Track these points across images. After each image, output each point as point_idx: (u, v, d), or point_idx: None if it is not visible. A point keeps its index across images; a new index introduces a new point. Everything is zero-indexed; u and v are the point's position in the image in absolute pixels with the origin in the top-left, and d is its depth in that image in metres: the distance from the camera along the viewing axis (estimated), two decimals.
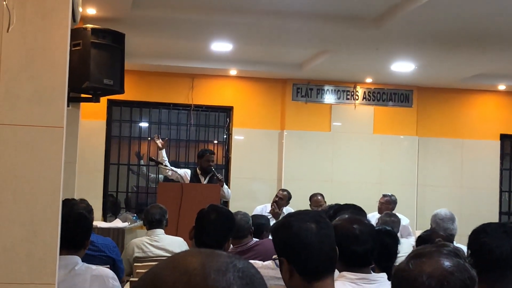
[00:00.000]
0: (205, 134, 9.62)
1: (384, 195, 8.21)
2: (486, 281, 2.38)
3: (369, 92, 9.67)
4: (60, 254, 2.81)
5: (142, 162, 9.39)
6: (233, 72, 9.23)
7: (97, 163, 8.95)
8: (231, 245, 4.54)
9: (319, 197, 8.21)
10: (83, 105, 6.51)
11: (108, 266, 4.04)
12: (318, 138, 9.47)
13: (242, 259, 0.99)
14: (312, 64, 8.54)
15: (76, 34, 5.41)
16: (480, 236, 2.57)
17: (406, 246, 5.36)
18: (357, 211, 3.81)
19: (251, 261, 3.75)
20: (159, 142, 7.77)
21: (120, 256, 4.82)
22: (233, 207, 7.65)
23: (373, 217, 7.36)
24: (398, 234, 4.85)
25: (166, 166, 7.61)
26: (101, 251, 4.52)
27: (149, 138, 9.40)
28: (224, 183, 7.75)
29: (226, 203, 8.46)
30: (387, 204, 8.02)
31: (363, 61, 8.34)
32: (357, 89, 9.64)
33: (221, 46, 7.86)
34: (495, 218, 9.52)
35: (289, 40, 7.40)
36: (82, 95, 5.98)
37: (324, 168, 9.44)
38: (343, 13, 6.45)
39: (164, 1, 6.27)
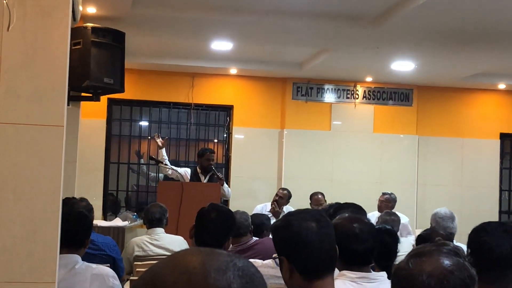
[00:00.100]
0: (205, 133, 9.62)
1: (383, 193, 8.22)
2: (486, 280, 2.38)
3: (369, 91, 9.67)
4: (60, 253, 2.81)
5: (142, 161, 9.39)
6: (233, 71, 9.23)
7: (97, 162, 8.95)
8: (231, 244, 4.55)
9: (320, 196, 8.21)
10: (83, 104, 6.51)
11: (108, 265, 4.05)
12: (318, 137, 9.47)
13: (242, 258, 0.99)
14: (312, 63, 8.55)
15: (76, 33, 5.40)
16: (480, 235, 2.57)
17: (406, 245, 5.35)
18: (357, 210, 3.81)
19: (251, 260, 3.75)
20: (159, 141, 7.77)
21: (120, 255, 4.82)
22: (233, 206, 7.67)
23: (373, 216, 7.35)
24: (398, 233, 4.85)
25: (166, 165, 7.62)
26: (101, 250, 4.52)
27: (149, 137, 9.40)
28: (224, 182, 7.75)
29: (226, 202, 8.47)
30: (387, 202, 8.03)
31: (363, 60, 8.33)
32: (357, 88, 9.64)
33: (221, 45, 7.86)
34: (495, 217, 9.53)
35: (289, 39, 7.39)
36: (82, 94, 5.98)
37: (324, 167, 9.45)
38: (343, 12, 6.45)
39: (164, 0, 6.27)
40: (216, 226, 3.36)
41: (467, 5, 5.73)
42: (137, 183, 9.63)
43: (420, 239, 4.31)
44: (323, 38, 7.29)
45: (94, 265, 3.35)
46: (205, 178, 7.69)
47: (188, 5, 6.32)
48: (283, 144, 9.41)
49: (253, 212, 6.71)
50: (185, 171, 7.65)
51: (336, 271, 2.48)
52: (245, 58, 8.77)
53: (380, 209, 7.95)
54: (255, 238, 4.95)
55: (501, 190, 10.11)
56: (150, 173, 9.23)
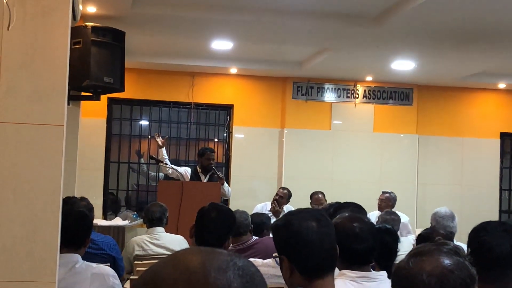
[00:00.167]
0: (205, 132, 9.62)
1: (383, 192, 8.22)
2: (486, 280, 2.38)
3: (369, 90, 9.67)
4: (61, 252, 2.81)
5: (142, 160, 9.39)
6: (233, 70, 9.23)
7: (97, 161, 8.95)
8: (231, 243, 4.55)
9: (320, 195, 8.21)
10: (83, 103, 6.51)
11: (109, 264, 4.05)
12: (318, 137, 9.47)
13: (242, 258, 0.99)
14: (312, 62, 8.54)
15: (77, 32, 5.41)
16: (480, 234, 2.57)
17: (406, 245, 5.36)
18: (357, 210, 3.81)
19: (251, 259, 3.75)
20: (159, 140, 7.77)
21: (120, 254, 4.82)
22: (233, 205, 7.68)
23: (373, 215, 7.36)
24: (398, 232, 4.86)
25: (167, 164, 7.62)
26: (101, 249, 4.52)
27: (149, 136, 9.40)
28: (225, 182, 7.75)
29: (226, 201, 8.47)
30: (387, 201, 8.03)
31: (363, 60, 8.33)
32: (357, 88, 9.64)
33: (222, 44, 7.86)
34: (495, 217, 9.53)
35: (289, 38, 7.39)
36: (83, 93, 5.98)
37: (325, 166, 9.45)
38: (344, 11, 6.45)
39: None
40: (216, 225, 3.36)
41: (467, 4, 5.73)
42: (137, 182, 9.63)
43: (420, 239, 4.32)
44: (323, 37, 7.28)
45: (94, 265, 3.36)
46: (205, 178, 7.70)
47: (188, 4, 6.32)
48: (283, 143, 9.41)
49: (253, 212, 6.71)
50: (185, 171, 7.65)
51: (336, 270, 2.48)
52: (245, 57, 8.77)
53: (380, 208, 7.95)
54: (255, 237, 4.95)
55: (501, 190, 10.11)
56: (150, 172, 9.23)
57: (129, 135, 9.47)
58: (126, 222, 7.80)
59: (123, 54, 5.86)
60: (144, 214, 5.56)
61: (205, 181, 7.63)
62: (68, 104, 3.68)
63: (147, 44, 8.16)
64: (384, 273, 2.79)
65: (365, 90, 9.66)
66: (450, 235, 5.20)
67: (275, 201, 7.88)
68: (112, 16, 6.37)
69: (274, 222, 2.52)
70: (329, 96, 9.58)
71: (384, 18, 6.38)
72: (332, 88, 9.59)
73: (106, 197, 9.14)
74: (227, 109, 9.60)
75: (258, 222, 5.39)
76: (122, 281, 4.16)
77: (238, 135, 9.52)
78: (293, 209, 7.30)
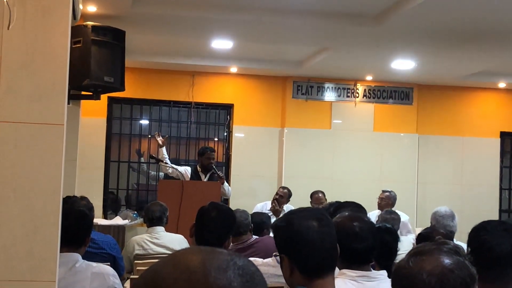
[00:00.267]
0: (205, 131, 9.62)
1: (383, 191, 8.22)
2: (486, 279, 2.38)
3: (369, 89, 9.67)
4: (61, 251, 2.81)
5: (142, 159, 9.39)
6: (233, 69, 9.23)
7: (97, 160, 8.95)
8: (231, 243, 4.55)
9: (320, 195, 8.21)
10: (83, 102, 6.51)
11: (109, 263, 4.05)
12: (318, 136, 9.47)
13: (242, 257, 0.99)
14: (312, 61, 8.54)
15: (77, 31, 5.40)
16: (480, 233, 2.57)
17: (406, 244, 5.36)
18: (357, 209, 3.80)
19: (251, 258, 3.76)
20: (159, 139, 7.77)
21: (120, 254, 4.82)
22: (233, 205, 7.68)
23: (374, 215, 7.35)
24: (398, 231, 4.86)
25: (167, 163, 7.62)
26: (101, 249, 4.52)
27: (149, 136, 9.40)
28: (225, 181, 7.75)
29: (226, 200, 8.47)
30: (387, 200, 8.03)
31: (363, 59, 8.33)
32: (357, 87, 9.64)
33: (222, 44, 7.86)
34: (495, 216, 9.53)
35: (289, 37, 7.39)
36: (83, 93, 5.98)
37: (325, 165, 9.45)
38: (344, 11, 6.45)
39: None
40: (216, 224, 3.36)
41: (467, 4, 5.73)
42: (137, 181, 9.62)
43: (420, 238, 4.32)
44: (324, 36, 7.28)
45: (94, 264, 3.35)
46: (205, 177, 7.69)
47: (188, 3, 6.32)
48: (283, 142, 9.41)
49: (253, 211, 6.71)
50: (186, 170, 7.65)
51: (336, 269, 2.48)
52: (246, 56, 8.77)
53: (380, 206, 7.95)
54: (255, 237, 4.95)
55: (501, 189, 10.11)
56: (150, 171, 9.22)
57: (129, 135, 9.47)
58: (126, 222, 7.81)
59: (123, 53, 5.86)
60: (144, 214, 5.56)
61: (205, 180, 7.63)
62: (68, 103, 3.68)
63: (147, 43, 8.16)
64: (384, 273, 2.79)
65: (365, 90, 9.66)
66: (450, 235, 5.20)
67: (275, 201, 7.88)
68: (112, 15, 6.37)
69: (275, 221, 2.52)
70: (329, 95, 9.58)
71: (384, 18, 6.38)
72: (332, 88, 9.59)
73: (106, 197, 9.15)
74: (227, 108, 9.60)
75: (258, 222, 5.39)
76: (122, 280, 4.16)
77: (238, 134, 9.52)
78: (293, 208, 7.30)
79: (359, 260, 2.74)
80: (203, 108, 9.53)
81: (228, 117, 9.62)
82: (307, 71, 9.07)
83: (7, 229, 2.63)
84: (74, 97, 5.88)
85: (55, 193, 2.69)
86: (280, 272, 3.72)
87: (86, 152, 8.18)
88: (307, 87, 9.52)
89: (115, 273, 3.41)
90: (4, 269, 2.62)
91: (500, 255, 2.48)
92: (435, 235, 4.28)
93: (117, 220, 7.86)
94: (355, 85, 9.62)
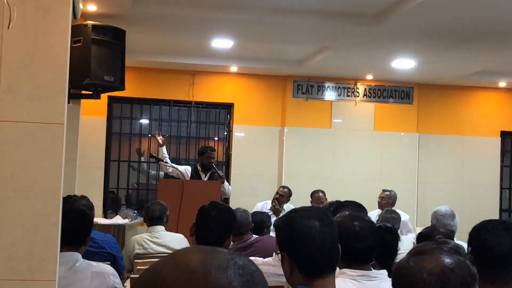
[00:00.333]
0: (205, 131, 9.62)
1: (384, 190, 8.22)
2: (487, 278, 2.38)
3: (369, 89, 9.67)
4: (61, 250, 2.81)
5: (142, 158, 9.39)
6: (233, 68, 9.23)
7: (97, 159, 8.95)
8: (231, 242, 4.54)
9: (320, 194, 8.21)
10: (83, 101, 6.51)
11: (109, 262, 4.05)
12: (318, 135, 9.47)
13: (243, 256, 0.99)
14: (312, 61, 8.54)
15: (77, 30, 5.40)
16: (481, 233, 2.57)
17: (406, 243, 5.36)
18: (357, 208, 3.81)
19: (252, 258, 3.75)
20: (159, 138, 7.77)
21: (120, 253, 4.82)
22: (233, 204, 7.67)
23: (374, 214, 7.35)
24: (398, 231, 4.85)
25: (167, 163, 7.61)
26: (101, 248, 4.52)
27: (149, 135, 9.40)
28: (225, 180, 7.75)
29: (226, 200, 8.47)
30: (387, 199, 8.04)
31: (363, 58, 8.33)
32: (357, 86, 9.64)
33: (222, 43, 7.86)
34: (495, 215, 9.53)
35: (289, 36, 7.39)
36: (83, 92, 5.98)
37: (325, 165, 9.45)
38: (344, 10, 6.45)
39: None
40: (216, 224, 3.36)
41: (468, 3, 5.73)
42: (137, 181, 9.63)
43: (420, 237, 4.31)
44: (324, 36, 7.28)
45: (94, 263, 3.35)
46: (205, 176, 7.69)
47: (188, 2, 6.32)
48: (283, 142, 9.41)
49: (253, 210, 6.71)
50: (186, 169, 7.65)
51: (337, 269, 2.48)
52: (246, 56, 8.76)
53: (380, 206, 7.96)
54: (255, 236, 4.96)
55: (501, 188, 10.11)
56: (150, 171, 9.23)
57: (129, 134, 9.47)
58: (126, 221, 7.81)
59: (123, 52, 5.86)
60: (145, 213, 5.56)
61: (205, 179, 7.63)
62: (69, 102, 3.68)
63: (147, 42, 8.16)
64: (384, 272, 2.79)
65: (365, 89, 9.66)
66: (451, 234, 5.20)
67: (275, 200, 7.88)
68: (112, 14, 6.37)
69: (278, 218, 2.52)
70: (330, 94, 9.58)
71: (384, 17, 6.38)
72: (332, 87, 9.59)
73: (106, 196, 9.15)
74: (228, 107, 9.60)
75: (258, 221, 5.39)
76: (123, 279, 4.16)
77: (238, 133, 9.52)
78: (293, 207, 7.29)
79: (359, 260, 2.74)
80: (203, 108, 9.53)
81: (228, 116, 9.62)
82: (308, 70, 9.07)
83: (7, 229, 2.63)
84: (74, 96, 5.88)
85: (55, 192, 2.69)
86: (280, 272, 3.72)
87: (86, 152, 8.18)
88: (307, 87, 9.52)
89: (115, 273, 3.41)
90: (4, 269, 2.62)
91: (500, 255, 2.48)
92: (435, 234, 4.28)
93: (117, 220, 7.86)
94: (355, 84, 9.62)
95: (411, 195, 9.52)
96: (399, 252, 3.66)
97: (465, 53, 7.68)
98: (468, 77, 9.17)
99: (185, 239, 5.25)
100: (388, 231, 3.68)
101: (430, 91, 9.82)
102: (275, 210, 7.70)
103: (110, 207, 9.26)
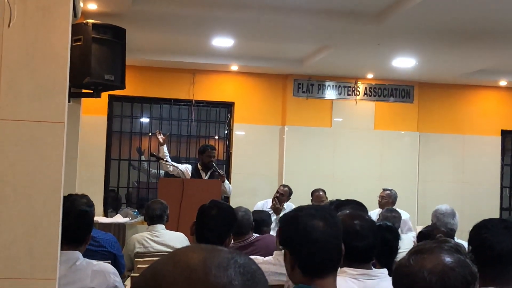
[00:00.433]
0: (206, 129, 9.62)
1: (384, 189, 8.22)
2: (487, 277, 2.38)
3: (370, 87, 9.67)
4: (61, 249, 2.81)
5: (143, 157, 9.39)
6: (234, 67, 9.23)
7: (98, 158, 8.95)
8: (232, 241, 4.54)
9: (321, 193, 8.21)
10: (84, 100, 6.51)
11: (109, 261, 4.05)
12: (319, 134, 9.47)
13: (243, 255, 0.99)
14: (313, 59, 8.54)
15: (77, 29, 5.40)
16: (481, 231, 2.57)
17: (407, 242, 5.36)
18: (358, 207, 3.81)
19: (252, 256, 3.75)
20: (160, 137, 7.76)
21: (121, 252, 4.82)
22: (234, 203, 7.67)
23: (374, 214, 7.35)
24: (398, 229, 4.85)
25: (167, 161, 7.61)
26: (102, 247, 4.51)
27: (150, 134, 9.40)
28: (225, 179, 7.75)
29: (227, 198, 8.46)
30: (388, 198, 8.04)
31: (364, 57, 8.33)
32: (358, 85, 9.63)
33: (222, 42, 7.86)
34: (495, 214, 9.53)
35: (290, 35, 7.39)
36: (83, 91, 5.98)
37: (325, 163, 9.44)
38: (344, 9, 6.45)
39: None
40: (217, 223, 3.36)
41: (468, 2, 5.73)
42: (138, 179, 9.63)
43: (421, 236, 4.32)
44: (324, 34, 7.28)
45: (95, 262, 3.35)
46: (206, 175, 7.69)
47: (189, 1, 6.32)
48: (284, 140, 9.41)
49: (253, 209, 6.71)
50: (186, 168, 7.65)
51: None
52: (246, 54, 8.76)
53: (380, 205, 7.96)
54: (256, 235, 4.95)
55: (502, 187, 10.11)
56: (151, 169, 9.23)
57: (129, 133, 9.47)
58: (126, 220, 7.81)
59: (123, 51, 5.85)
60: (145, 212, 5.56)
61: (206, 178, 7.62)
62: (69, 101, 3.68)
63: (147, 41, 8.16)
64: (384, 271, 2.79)
65: (366, 88, 9.66)
66: (451, 233, 5.20)
67: (275, 199, 7.88)
68: (112, 13, 6.36)
69: (283, 215, 2.50)
70: (330, 93, 9.58)
71: (385, 16, 6.38)
72: (333, 86, 9.58)
73: (106, 194, 9.15)
74: (228, 106, 9.60)
75: (258, 220, 5.38)
76: (123, 278, 4.16)
77: (238, 132, 9.52)
78: (294, 206, 7.29)
79: (359, 258, 2.74)
80: (204, 106, 9.52)
81: (229, 115, 9.61)
82: (308, 69, 9.07)
83: (8, 228, 2.63)
84: (75, 95, 5.88)
85: (56, 191, 2.69)
86: (281, 270, 3.72)
87: (87, 150, 8.18)
88: (308, 85, 9.51)
89: (116, 271, 3.40)
90: (5, 267, 2.62)
91: (501, 253, 2.48)
92: (436, 233, 4.28)
93: (118, 218, 7.86)
94: (356, 83, 9.62)
95: (412, 193, 9.52)
96: (399, 251, 3.65)
97: (465, 51, 7.68)
98: (469, 76, 9.16)
99: (186, 238, 5.26)
100: (388, 230, 3.68)
101: (431, 90, 9.82)
102: (276, 209, 7.70)
103: (111, 206, 9.26)
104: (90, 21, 5.63)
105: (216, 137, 9.69)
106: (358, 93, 9.63)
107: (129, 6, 6.18)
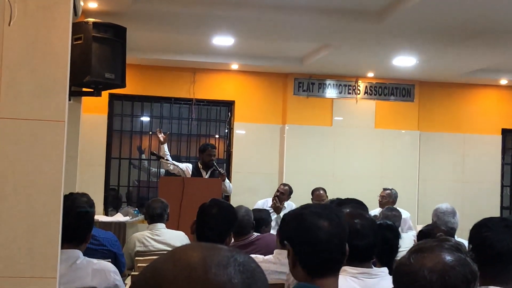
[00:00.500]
0: (206, 128, 9.62)
1: (384, 189, 8.23)
2: (488, 276, 2.38)
3: (370, 86, 9.66)
4: (62, 248, 2.81)
5: (143, 156, 9.39)
6: (234, 66, 9.22)
7: (98, 157, 8.95)
8: (233, 240, 4.54)
9: (321, 192, 8.21)
10: (84, 99, 6.51)
11: (110, 260, 4.05)
12: (319, 133, 9.46)
13: (243, 253, 0.99)
14: (313, 58, 8.53)
15: (78, 28, 5.39)
16: (482, 230, 2.57)
17: (407, 241, 5.36)
18: (358, 206, 3.80)
19: (253, 255, 3.75)
20: (160, 136, 7.76)
21: (121, 250, 4.82)
22: (234, 202, 7.67)
23: (375, 213, 7.35)
24: (399, 228, 4.85)
25: (168, 160, 7.61)
26: (102, 245, 4.52)
27: (150, 133, 9.40)
28: (226, 178, 7.75)
29: (227, 197, 8.47)
30: (388, 198, 8.04)
31: (364, 56, 8.32)
32: (358, 84, 9.63)
33: (223, 40, 7.85)
34: (496, 213, 9.53)
35: (290, 34, 7.38)
36: (84, 89, 5.97)
37: (326, 162, 9.44)
38: (345, 7, 6.44)
39: None
40: (217, 221, 3.36)
41: (469, 1, 5.72)
42: (138, 178, 9.63)
43: (421, 235, 4.31)
44: (325, 33, 7.27)
45: (95, 260, 3.35)
46: (206, 174, 7.69)
47: (189, 0, 6.31)
48: (284, 139, 9.41)
49: (254, 208, 6.71)
50: (187, 167, 7.65)
51: None
52: (247, 53, 8.76)
53: (381, 204, 7.96)
54: (256, 234, 4.96)
55: (502, 186, 10.11)
56: (151, 168, 9.23)
57: (130, 131, 9.47)
58: (127, 218, 7.82)
59: (124, 50, 5.85)
60: (145, 210, 5.56)
61: (206, 177, 7.63)
62: (69, 100, 3.68)
63: (148, 40, 8.15)
64: (385, 270, 2.79)
65: (366, 86, 9.65)
66: (451, 231, 5.20)
67: (276, 198, 7.88)
68: (113, 12, 6.36)
69: (288, 212, 2.49)
70: (331, 92, 9.58)
71: (385, 14, 6.37)
72: (333, 84, 9.58)
73: (107, 193, 9.15)
74: (228, 105, 9.60)
75: (257, 218, 5.38)
76: (123, 277, 4.16)
77: (239, 131, 9.52)
78: (294, 205, 7.31)
79: (360, 257, 2.74)
80: (204, 105, 9.52)
81: (229, 114, 9.61)
82: (308, 68, 9.06)
83: (8, 226, 2.63)
84: (75, 93, 5.88)
85: (56, 189, 2.69)
86: (281, 269, 3.72)
87: (87, 149, 8.18)
88: (308, 84, 9.51)
89: (116, 270, 3.41)
90: (5, 266, 2.62)
91: (501, 252, 2.48)
92: (436, 232, 4.28)
93: (118, 217, 7.87)
94: (356, 82, 9.61)
95: (412, 192, 9.52)
96: (400, 249, 3.65)
97: (466, 50, 7.67)
98: (469, 75, 9.16)
99: (186, 236, 5.26)
100: (388, 228, 3.68)
101: (431, 89, 9.81)
102: (276, 207, 7.71)
103: (111, 205, 9.26)
104: (91, 19, 5.62)
105: (217, 136, 9.69)
106: (358, 92, 9.62)
107: (130, 4, 6.17)
